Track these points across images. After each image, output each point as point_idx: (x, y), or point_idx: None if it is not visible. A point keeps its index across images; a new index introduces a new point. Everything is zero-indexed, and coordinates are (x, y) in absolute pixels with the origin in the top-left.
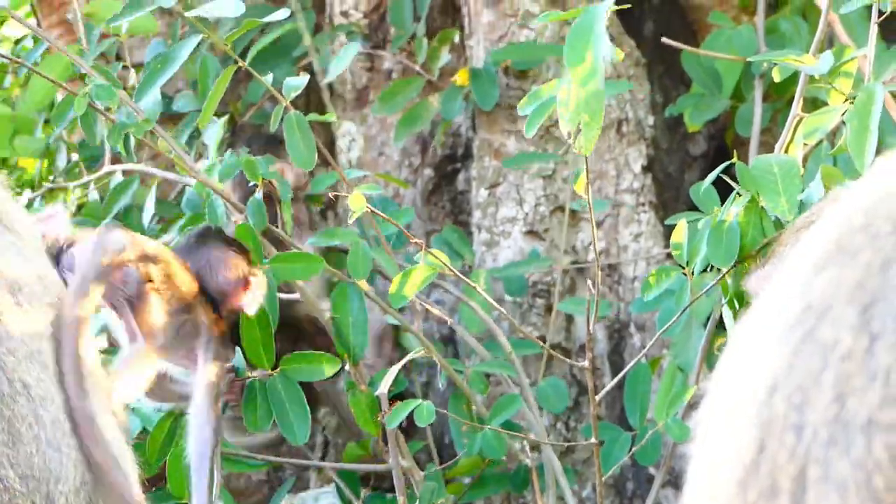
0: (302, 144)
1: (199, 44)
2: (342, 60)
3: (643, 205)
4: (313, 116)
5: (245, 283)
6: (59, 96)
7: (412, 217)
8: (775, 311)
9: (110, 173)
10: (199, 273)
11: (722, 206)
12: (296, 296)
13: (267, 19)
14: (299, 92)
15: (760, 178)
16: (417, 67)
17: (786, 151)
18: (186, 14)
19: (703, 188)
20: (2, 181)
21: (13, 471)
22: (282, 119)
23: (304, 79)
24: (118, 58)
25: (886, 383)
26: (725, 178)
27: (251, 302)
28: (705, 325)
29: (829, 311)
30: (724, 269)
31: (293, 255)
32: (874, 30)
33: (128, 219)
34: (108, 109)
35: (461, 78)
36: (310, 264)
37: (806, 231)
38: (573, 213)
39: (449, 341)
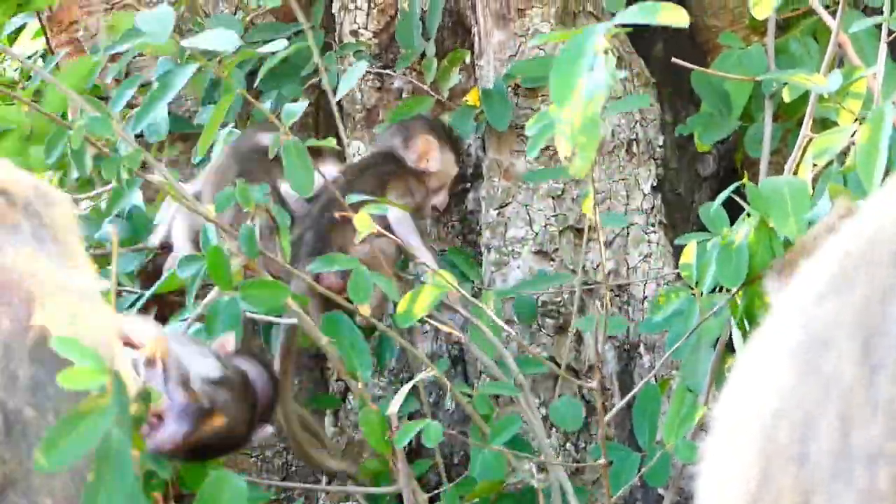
0: (300, 171)
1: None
2: (350, 79)
3: (653, 225)
4: (312, 142)
5: None
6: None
7: None
8: (780, 339)
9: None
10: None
11: (732, 226)
12: (293, 321)
13: (262, 50)
14: (297, 118)
15: (770, 199)
16: (426, 87)
17: (795, 172)
18: (182, 44)
19: (713, 209)
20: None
21: (51, 500)
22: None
23: (302, 104)
24: (127, 75)
25: (889, 415)
26: (736, 198)
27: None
28: (715, 346)
29: (831, 342)
30: (734, 290)
31: (259, 282)
32: (884, 49)
33: (132, 219)
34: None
35: (472, 98)
36: (276, 292)
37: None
38: (582, 232)
39: (458, 361)
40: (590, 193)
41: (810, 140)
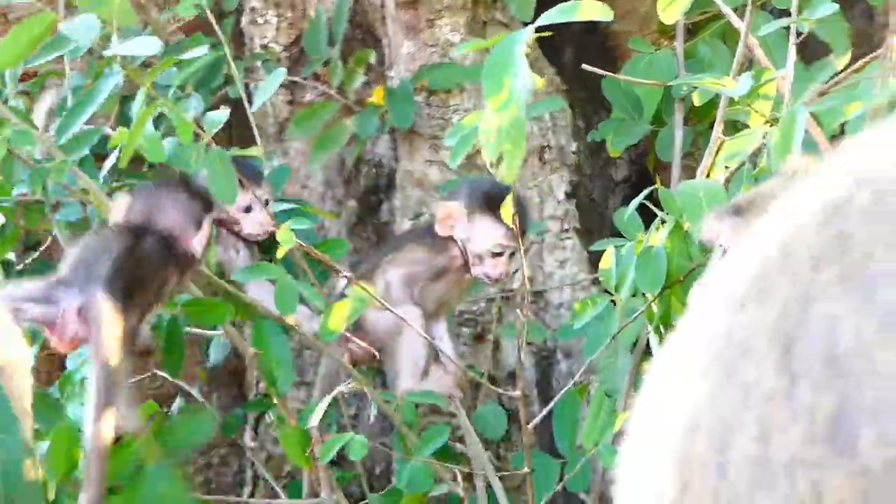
0: (223, 180)
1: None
2: (268, 88)
3: (567, 231)
4: (236, 151)
5: (196, 225)
6: None
7: (346, 250)
8: (696, 344)
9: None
10: (150, 213)
11: (646, 230)
12: (220, 332)
13: (186, 56)
14: (219, 127)
15: (686, 203)
16: (333, 92)
17: (708, 175)
18: (104, 53)
19: (627, 215)
20: None
21: None
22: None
23: (224, 112)
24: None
25: (809, 421)
26: (647, 203)
27: (198, 244)
28: (632, 350)
29: (750, 350)
30: (652, 295)
31: (203, 301)
32: (792, 51)
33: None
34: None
35: (377, 97)
36: (220, 312)
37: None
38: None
39: (377, 372)
40: (509, 200)
41: (722, 143)
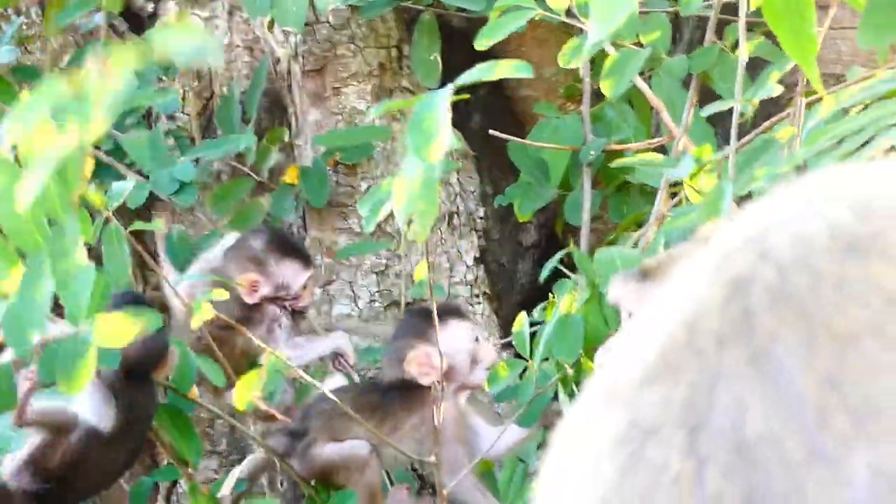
0: (119, 258)
1: None
2: None
3: (477, 296)
4: (139, 224)
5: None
6: None
7: None
8: (602, 418)
9: None
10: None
11: (552, 293)
12: None
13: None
14: (121, 201)
15: (602, 269)
16: (247, 168)
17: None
18: None
19: (542, 277)
20: None
21: None
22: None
23: (128, 184)
24: None
25: None
26: (558, 265)
27: (163, 377)
28: (542, 414)
29: (656, 431)
30: (568, 362)
31: None
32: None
33: None
34: None
35: (290, 176)
36: None
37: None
38: (407, 307)
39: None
40: (424, 263)
41: (663, 217)
